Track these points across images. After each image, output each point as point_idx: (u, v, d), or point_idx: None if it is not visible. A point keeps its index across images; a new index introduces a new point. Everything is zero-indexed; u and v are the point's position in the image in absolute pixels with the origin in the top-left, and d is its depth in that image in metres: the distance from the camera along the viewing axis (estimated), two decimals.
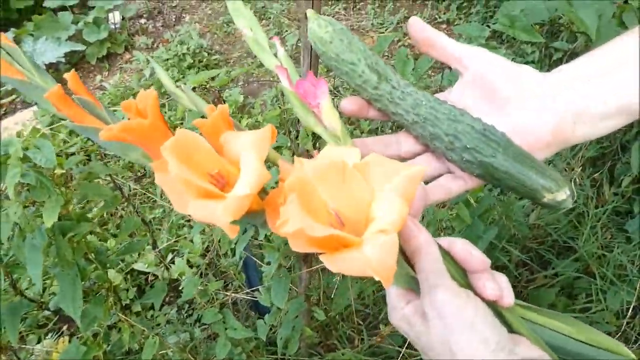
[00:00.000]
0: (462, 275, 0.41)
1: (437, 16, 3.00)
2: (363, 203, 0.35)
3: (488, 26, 1.16)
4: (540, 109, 0.43)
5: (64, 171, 0.87)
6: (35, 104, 2.85)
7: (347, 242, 0.33)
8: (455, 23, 2.89)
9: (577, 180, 1.58)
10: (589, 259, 1.43)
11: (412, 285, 0.41)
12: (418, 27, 0.47)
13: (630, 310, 1.31)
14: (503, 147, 0.43)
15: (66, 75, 0.39)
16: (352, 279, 1.13)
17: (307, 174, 0.35)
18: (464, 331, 0.36)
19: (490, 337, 0.36)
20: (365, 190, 0.35)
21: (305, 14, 0.48)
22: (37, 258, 0.87)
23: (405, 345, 1.10)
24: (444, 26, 2.94)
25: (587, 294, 1.40)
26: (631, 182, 1.52)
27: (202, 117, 0.39)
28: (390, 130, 2.07)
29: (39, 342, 1.44)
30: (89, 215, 0.96)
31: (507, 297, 0.39)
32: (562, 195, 0.43)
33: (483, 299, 0.39)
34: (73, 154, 2.04)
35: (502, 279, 0.41)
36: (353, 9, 3.20)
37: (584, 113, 0.43)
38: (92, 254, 0.97)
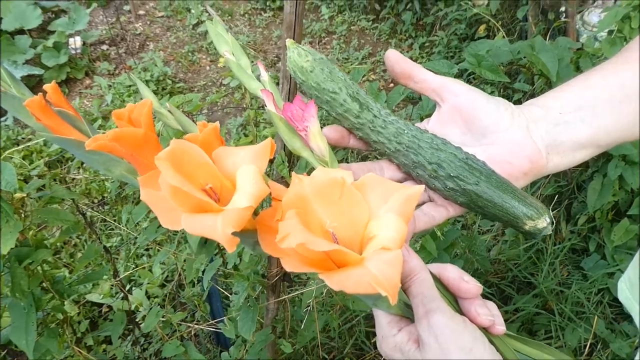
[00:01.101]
0: (453, 302, 0.41)
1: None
2: (359, 222, 0.35)
3: (456, 64, 1.20)
4: (516, 140, 0.45)
5: (24, 195, 0.83)
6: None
7: (345, 260, 0.33)
8: (418, 61, 2.98)
9: None
10: (548, 295, 1.46)
11: (404, 311, 0.41)
12: (395, 59, 0.48)
13: (587, 347, 1.34)
14: (485, 175, 0.44)
15: (46, 87, 0.38)
16: (319, 311, 1.11)
17: (305, 190, 0.34)
18: (462, 356, 0.35)
19: None
20: (362, 208, 0.35)
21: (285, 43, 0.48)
22: None
23: None
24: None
25: (547, 330, 1.42)
26: (587, 220, 1.58)
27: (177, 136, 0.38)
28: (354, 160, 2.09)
29: None
30: (47, 242, 0.92)
31: (499, 324, 0.39)
32: (543, 222, 0.44)
33: None
34: (25, 180, 1.97)
35: (493, 306, 0.41)
36: (319, 43, 3.26)
37: (556, 144, 0.45)
38: (49, 283, 0.92)
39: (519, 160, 0.45)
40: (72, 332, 1.00)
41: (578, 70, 1.39)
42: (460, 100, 0.46)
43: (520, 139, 0.45)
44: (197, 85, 2.95)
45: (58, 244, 1.86)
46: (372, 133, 0.47)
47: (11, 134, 2.54)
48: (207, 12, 3.41)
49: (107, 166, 0.40)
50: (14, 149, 2.17)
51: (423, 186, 0.36)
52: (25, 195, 0.83)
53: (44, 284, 0.93)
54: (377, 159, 0.52)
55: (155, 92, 2.73)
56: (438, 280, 0.41)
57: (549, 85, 1.54)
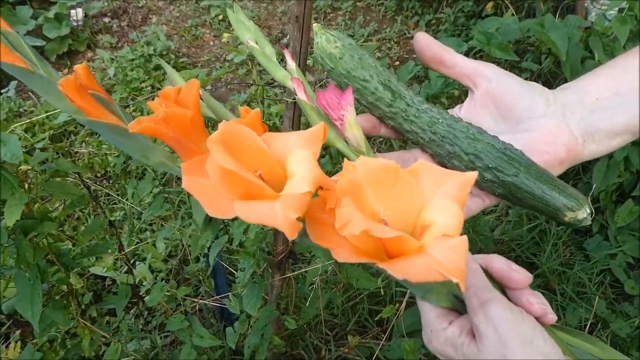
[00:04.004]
0: (501, 293, 0.40)
1: (406, 31, 3.05)
2: (412, 209, 0.34)
3: (465, 42, 1.18)
4: (551, 128, 0.43)
5: (29, 167, 0.82)
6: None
7: (404, 248, 0.32)
8: None
9: None
10: (550, 275, 1.46)
11: (454, 303, 0.40)
12: (425, 42, 0.46)
13: (587, 328, 1.35)
14: (524, 166, 0.43)
15: (77, 67, 0.35)
16: (322, 289, 1.12)
17: (359, 177, 0.33)
18: (524, 347, 0.34)
19: (551, 353, 0.34)
20: (416, 196, 0.34)
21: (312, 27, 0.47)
22: None
23: (373, 358, 1.09)
24: (412, 41, 2.99)
25: None
26: (591, 201, 1.58)
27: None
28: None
29: None
30: (51, 215, 0.92)
31: (550, 312, 0.39)
32: (583, 213, 0.43)
33: None
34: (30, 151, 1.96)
35: (540, 295, 0.40)
36: (324, 19, 3.22)
37: (592, 131, 0.43)
38: (54, 256, 0.93)
39: (555, 149, 0.44)
40: (77, 304, 1.00)
41: (587, 49, 1.37)
42: (494, 85, 0.45)
43: (556, 126, 0.43)
44: (200, 60, 2.92)
45: (61, 217, 1.86)
46: (405, 122, 0.46)
47: (13, 105, 2.52)
48: None
49: (145, 153, 0.38)
50: (18, 123, 2.16)
51: (476, 172, 0.34)
52: (30, 167, 0.82)
53: (49, 256, 0.94)
54: (402, 147, 0.50)
55: (158, 67, 2.71)
56: (486, 272, 0.40)
57: (558, 64, 1.52)
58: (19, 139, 0.82)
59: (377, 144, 2.07)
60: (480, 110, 0.46)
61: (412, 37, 2.99)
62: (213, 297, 1.13)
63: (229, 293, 1.03)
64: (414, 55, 2.93)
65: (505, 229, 1.54)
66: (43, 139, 1.84)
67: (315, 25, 0.46)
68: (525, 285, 0.39)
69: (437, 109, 0.46)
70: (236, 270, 1.17)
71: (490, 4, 2.77)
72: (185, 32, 3.12)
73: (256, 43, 0.48)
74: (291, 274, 0.96)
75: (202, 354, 1.03)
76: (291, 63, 0.45)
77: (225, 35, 3.07)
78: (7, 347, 1.25)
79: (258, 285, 0.89)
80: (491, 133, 0.45)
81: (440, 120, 0.45)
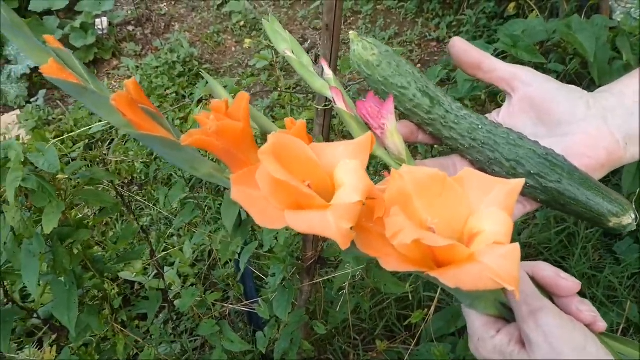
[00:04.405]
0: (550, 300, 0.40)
1: (427, 34, 3.04)
2: (459, 218, 0.34)
3: (487, 43, 1.18)
4: (593, 131, 0.43)
5: (66, 176, 0.84)
6: (18, 107, 2.79)
7: (454, 257, 0.32)
8: (445, 41, 2.93)
9: None
10: (580, 279, 1.44)
11: (501, 311, 0.39)
12: (463, 48, 0.46)
13: (619, 332, 1.32)
14: (567, 171, 0.42)
15: (127, 82, 0.37)
16: (350, 294, 1.12)
17: (407, 186, 0.33)
18: (576, 355, 0.34)
19: None
20: (463, 204, 0.34)
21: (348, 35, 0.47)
22: (34, 265, 0.85)
23: None
24: (434, 44, 2.98)
25: None
26: None
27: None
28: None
29: (20, 349, 1.39)
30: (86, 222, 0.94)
31: (600, 320, 0.38)
32: (628, 219, 0.42)
33: None
34: (67, 161, 2.00)
35: (588, 303, 0.39)
36: (345, 23, 3.23)
37: (634, 134, 0.43)
38: (89, 262, 0.95)
39: (596, 153, 0.43)
40: (110, 309, 1.02)
41: (614, 49, 1.35)
42: (533, 90, 0.45)
43: (597, 130, 0.43)
44: (223, 66, 2.95)
45: (90, 222, 1.90)
46: (444, 129, 0.46)
47: (42, 114, 2.58)
48: None
49: (193, 165, 0.39)
50: (51, 135, 2.21)
51: (523, 180, 0.34)
52: (66, 176, 0.84)
53: (84, 263, 0.96)
54: (441, 152, 0.50)
55: (182, 74, 2.74)
56: (533, 280, 0.40)
57: (584, 65, 1.50)
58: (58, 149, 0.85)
59: (411, 150, 2.07)
60: (519, 115, 0.46)
61: (433, 39, 2.99)
62: (242, 301, 1.14)
63: (258, 298, 1.04)
64: (435, 58, 2.92)
65: (533, 232, 1.53)
66: (78, 148, 1.88)
67: (351, 33, 0.46)
68: (573, 292, 0.39)
69: (477, 115, 0.46)
70: (264, 276, 1.19)
71: (512, 5, 2.75)
72: (208, 39, 3.16)
73: (293, 52, 0.48)
74: (320, 279, 0.96)
75: (232, 358, 1.04)
76: (328, 72, 0.46)
77: (247, 41, 3.10)
78: (40, 350, 1.29)
79: (288, 290, 0.90)
80: (530, 137, 0.44)
81: (480, 127, 0.45)
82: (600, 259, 1.54)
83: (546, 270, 0.40)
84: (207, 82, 0.89)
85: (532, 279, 0.40)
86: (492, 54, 1.18)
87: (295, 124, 0.35)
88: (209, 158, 0.44)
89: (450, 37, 2.94)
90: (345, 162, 0.33)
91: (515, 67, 0.46)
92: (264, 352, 1.02)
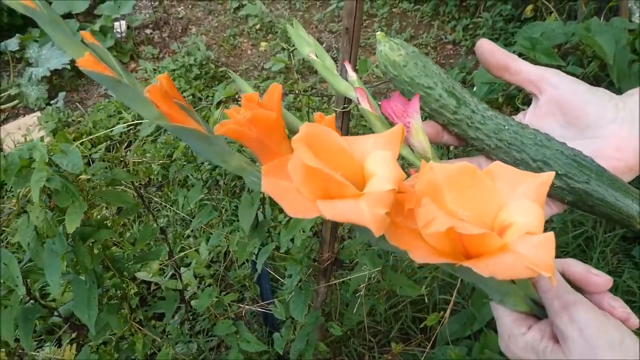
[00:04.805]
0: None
1: (443, 37, 3.04)
2: (489, 211, 0.34)
3: (504, 46, 1.18)
4: (622, 134, 0.43)
5: (89, 177, 0.86)
6: (39, 109, 2.84)
7: (486, 247, 0.32)
8: (461, 44, 2.92)
9: None
10: None
11: (532, 307, 0.39)
12: (490, 49, 0.46)
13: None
14: (595, 172, 0.42)
15: (159, 77, 0.37)
16: (365, 296, 1.12)
17: (437, 178, 0.33)
18: (613, 349, 0.33)
19: None
20: (493, 197, 0.34)
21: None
22: (56, 264, 0.86)
23: None
24: (449, 46, 2.98)
25: None
26: None
27: None
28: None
29: (39, 347, 1.42)
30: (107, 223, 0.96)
31: (634, 317, 0.37)
32: None
33: None
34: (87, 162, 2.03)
35: (621, 300, 0.38)
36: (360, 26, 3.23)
37: None
38: (109, 261, 0.96)
39: (625, 155, 0.43)
40: (129, 308, 1.04)
41: (634, 52, 1.34)
42: (561, 92, 0.45)
43: (626, 132, 0.42)
44: (239, 69, 2.98)
45: (108, 223, 1.92)
46: (470, 129, 0.46)
47: (62, 115, 2.63)
48: None
49: (224, 158, 0.39)
50: (73, 137, 2.24)
51: (553, 173, 0.34)
52: (89, 177, 0.86)
53: (104, 262, 0.97)
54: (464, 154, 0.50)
55: (198, 77, 2.77)
56: (563, 276, 0.40)
57: (602, 68, 1.49)
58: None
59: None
60: (546, 117, 0.46)
61: (448, 42, 2.98)
62: (258, 303, 1.15)
63: (274, 299, 1.04)
64: (451, 61, 2.91)
65: None
66: (99, 150, 1.91)
67: (378, 34, 0.46)
68: (605, 289, 0.38)
69: (503, 116, 0.46)
70: (280, 277, 1.19)
71: (529, 7, 2.73)
72: (224, 42, 3.18)
73: (316, 56, 0.49)
74: (336, 281, 0.97)
75: (248, 359, 1.05)
76: (352, 74, 0.47)
77: (263, 44, 3.12)
78: (59, 348, 1.31)
79: (304, 291, 0.91)
80: (558, 139, 0.44)
81: (506, 127, 0.44)
82: (619, 263, 1.53)
83: (576, 267, 0.39)
84: (225, 86, 0.90)
85: (562, 275, 0.40)
86: None
87: (325, 118, 0.36)
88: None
89: (466, 40, 2.94)
90: (376, 153, 0.34)
91: (542, 69, 0.46)
92: (281, 353, 1.03)
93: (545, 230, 0.32)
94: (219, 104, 0.84)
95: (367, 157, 0.35)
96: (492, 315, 0.42)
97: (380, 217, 0.30)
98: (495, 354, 1.10)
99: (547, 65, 1.21)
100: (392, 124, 0.45)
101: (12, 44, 3.08)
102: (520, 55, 1.22)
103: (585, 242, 1.53)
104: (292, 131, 0.44)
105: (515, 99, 1.21)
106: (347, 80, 0.48)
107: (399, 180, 0.32)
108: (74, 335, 1.14)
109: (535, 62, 1.15)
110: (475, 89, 1.13)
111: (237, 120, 0.36)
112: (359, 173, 0.35)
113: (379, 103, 0.47)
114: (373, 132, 0.46)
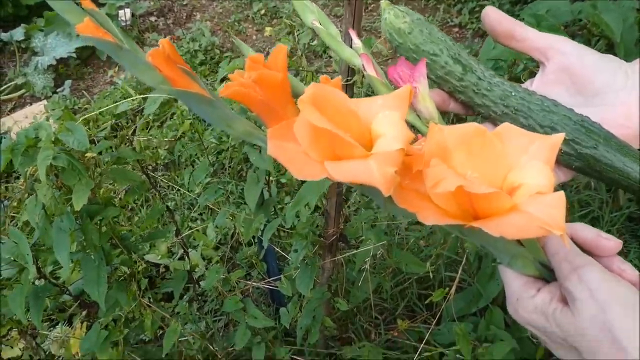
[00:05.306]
0: None
1: (449, 19, 3.01)
2: (499, 173, 0.34)
3: None
4: (631, 101, 0.42)
5: (94, 155, 0.87)
6: (45, 98, 2.85)
7: (496, 207, 0.32)
8: (467, 27, 2.90)
9: (593, 184, 1.58)
10: None
11: (540, 270, 0.39)
12: (496, 18, 0.45)
13: None
14: (604, 138, 0.42)
15: (162, 42, 0.37)
16: (371, 273, 1.13)
17: (446, 140, 0.33)
18: (626, 310, 0.33)
19: None
20: (503, 159, 0.34)
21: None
22: (65, 241, 0.87)
23: (423, 342, 1.10)
24: (455, 29, 2.95)
25: None
26: None
27: None
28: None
29: (51, 326, 1.44)
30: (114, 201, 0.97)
31: None
32: None
33: None
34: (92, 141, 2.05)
35: (629, 264, 0.38)
36: (365, 10, 3.21)
37: None
38: (117, 239, 0.97)
39: (634, 123, 0.42)
40: (138, 287, 1.05)
41: None
42: (569, 59, 0.44)
43: (636, 100, 0.42)
44: (244, 54, 2.97)
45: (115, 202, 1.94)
46: (476, 96, 0.45)
47: (68, 103, 2.64)
48: None
49: (229, 122, 0.39)
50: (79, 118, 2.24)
51: (563, 134, 0.34)
52: (95, 155, 0.87)
53: (112, 241, 0.99)
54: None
55: (203, 62, 2.77)
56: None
57: (610, 46, 1.48)
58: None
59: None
60: (553, 84, 0.45)
61: (455, 25, 2.96)
62: (265, 280, 1.16)
63: (281, 276, 1.05)
64: (457, 43, 2.89)
65: None
66: (104, 129, 1.92)
67: (383, 2, 0.46)
68: (614, 252, 0.38)
69: (510, 83, 0.45)
70: (286, 255, 1.20)
71: None
72: (229, 28, 3.18)
73: (320, 24, 0.49)
74: (341, 256, 0.98)
75: (255, 335, 1.06)
76: (357, 41, 0.47)
77: (268, 29, 3.11)
78: (71, 327, 1.33)
79: (310, 266, 0.92)
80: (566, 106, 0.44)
81: (513, 94, 0.44)
82: (625, 243, 1.52)
83: (585, 230, 0.39)
84: (229, 62, 0.90)
85: (571, 240, 0.39)
86: None
87: (331, 80, 0.36)
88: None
89: (472, 23, 2.91)
90: (384, 113, 0.33)
91: (550, 36, 0.46)
92: (287, 328, 1.04)
93: None
94: (222, 80, 0.84)
95: (375, 118, 0.34)
96: (498, 292, 0.42)
97: (389, 176, 0.30)
98: (500, 330, 1.11)
99: None
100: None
101: (18, 33, 3.10)
102: None
103: (591, 222, 1.53)
104: (297, 96, 0.44)
105: (521, 76, 1.21)
106: (352, 48, 0.48)
107: (407, 141, 0.32)
108: (84, 313, 1.16)
109: None
110: None
111: (242, 83, 0.35)
112: (366, 134, 0.34)
113: (385, 70, 0.46)
114: None
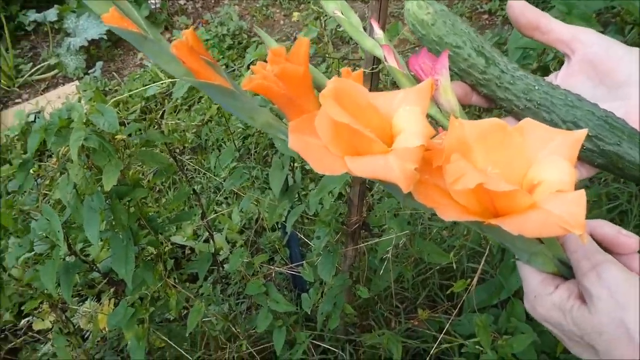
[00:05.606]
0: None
1: (478, 6, 2.96)
2: (519, 168, 0.34)
3: None
4: None
5: (124, 137, 0.89)
6: (77, 79, 2.91)
7: (515, 204, 0.32)
8: (497, 14, 2.85)
9: None
10: None
11: (559, 267, 0.39)
12: (520, 9, 0.45)
13: None
14: (627, 134, 0.41)
15: (184, 32, 0.37)
16: (393, 262, 1.13)
17: (466, 135, 0.33)
18: None
19: None
20: (524, 155, 0.33)
21: None
22: (95, 220, 0.90)
23: (443, 332, 1.10)
24: (485, 16, 2.90)
25: None
26: None
27: None
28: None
29: (81, 302, 1.49)
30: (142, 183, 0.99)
31: None
32: None
33: None
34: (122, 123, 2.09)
35: None
36: None
37: None
38: (144, 220, 1.00)
39: None
40: (164, 267, 1.08)
41: None
42: (594, 50, 0.43)
43: None
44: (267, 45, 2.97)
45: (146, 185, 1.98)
46: (499, 90, 0.45)
47: (99, 84, 2.69)
48: None
49: (251, 114, 0.39)
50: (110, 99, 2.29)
51: (586, 130, 0.33)
52: (125, 137, 0.89)
53: (140, 221, 1.01)
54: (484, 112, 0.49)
55: (231, 47, 2.78)
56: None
57: None
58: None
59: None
60: (578, 77, 0.45)
61: (484, 12, 2.90)
62: (287, 265, 1.18)
63: (303, 262, 1.07)
64: (487, 31, 2.84)
65: None
66: (133, 112, 1.96)
67: None
68: (635, 250, 0.37)
69: (534, 76, 0.44)
70: (309, 242, 1.21)
71: None
72: (257, 12, 3.18)
73: (342, 13, 0.49)
74: (364, 244, 0.98)
75: (277, 319, 1.08)
76: (378, 31, 0.46)
77: (295, 14, 3.10)
78: (99, 303, 1.37)
79: (332, 253, 0.93)
80: (590, 100, 0.43)
81: (536, 87, 0.43)
82: None
83: (605, 227, 0.39)
84: (256, 47, 0.90)
85: (591, 237, 0.39)
86: None
87: (352, 73, 0.36)
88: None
89: (502, 10, 2.85)
90: (405, 108, 0.33)
91: (575, 27, 0.45)
92: (308, 313, 1.05)
93: None
94: (249, 67, 0.85)
95: (396, 112, 0.34)
96: (520, 284, 0.42)
97: (409, 173, 0.30)
98: (522, 322, 1.10)
99: None
100: (419, 82, 0.44)
101: (51, 14, 3.15)
102: None
103: (619, 217, 1.50)
104: (319, 88, 0.44)
105: (549, 65, 1.19)
106: (373, 38, 0.48)
107: (428, 136, 0.32)
108: (112, 291, 1.20)
109: None
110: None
111: (264, 76, 0.35)
112: (387, 129, 0.34)
113: (407, 61, 0.46)
114: None
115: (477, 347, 1.05)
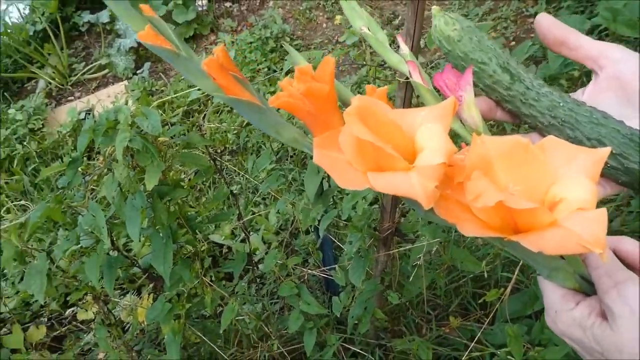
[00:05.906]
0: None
1: (524, 9, 2.90)
2: (541, 186, 0.34)
3: (588, 19, 1.13)
4: None
5: (167, 139, 0.93)
6: (126, 79, 3.01)
7: (536, 222, 0.32)
8: None
9: None
10: None
11: (581, 284, 0.39)
12: (547, 25, 0.45)
13: None
14: None
15: (216, 50, 0.39)
16: (426, 269, 1.13)
17: (488, 152, 0.33)
18: None
19: None
20: (545, 172, 0.34)
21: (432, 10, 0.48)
22: (136, 217, 0.94)
23: (475, 340, 1.09)
24: (530, 20, 2.84)
25: None
26: None
27: None
28: None
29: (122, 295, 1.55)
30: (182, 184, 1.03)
31: None
32: None
33: None
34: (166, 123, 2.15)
35: None
36: (437, 0, 3.15)
37: None
38: (183, 219, 1.03)
39: None
40: (201, 265, 1.11)
41: None
42: (621, 67, 0.43)
43: None
44: (313, 42, 3.00)
45: (190, 186, 2.04)
46: (524, 106, 0.45)
47: (147, 85, 2.78)
48: None
49: (278, 129, 0.41)
50: (154, 102, 2.37)
51: (609, 148, 0.33)
52: (168, 139, 0.92)
53: (179, 220, 1.05)
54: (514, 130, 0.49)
55: (274, 50, 2.83)
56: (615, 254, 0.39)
57: None
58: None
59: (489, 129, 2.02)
60: (605, 94, 0.44)
61: (530, 15, 2.84)
62: (320, 268, 1.20)
63: (335, 265, 1.08)
64: (532, 35, 2.78)
65: (626, 220, 1.45)
66: (176, 115, 2.02)
67: (434, 8, 0.46)
68: None
69: (559, 93, 0.44)
70: (342, 246, 1.23)
71: None
72: (300, 15, 3.21)
73: (369, 29, 0.50)
74: (395, 250, 0.99)
75: (308, 320, 1.10)
76: (404, 48, 0.48)
77: (338, 17, 3.12)
78: (139, 297, 1.42)
79: (364, 258, 0.94)
80: (617, 118, 0.42)
81: (561, 104, 0.43)
82: None
83: (629, 244, 0.38)
84: None
85: (614, 253, 0.39)
86: (590, 29, 1.12)
87: (377, 90, 0.37)
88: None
89: (549, 13, 2.79)
90: (427, 126, 0.34)
91: (604, 43, 0.45)
92: (339, 318, 1.07)
93: (621, 213, 0.31)
94: (287, 73, 0.87)
95: (418, 130, 0.35)
96: None
97: (430, 191, 0.31)
98: (555, 334, 1.08)
99: (628, 38, 1.14)
100: (444, 97, 0.45)
101: (104, 16, 3.28)
102: (598, 28, 1.15)
103: None
104: (345, 103, 0.45)
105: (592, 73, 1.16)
106: (399, 54, 0.49)
107: (450, 154, 0.32)
108: (151, 286, 1.24)
109: (615, 34, 1.09)
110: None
111: (290, 94, 0.37)
112: (409, 146, 0.35)
113: (432, 77, 0.47)
114: None
115: (508, 357, 1.04)
